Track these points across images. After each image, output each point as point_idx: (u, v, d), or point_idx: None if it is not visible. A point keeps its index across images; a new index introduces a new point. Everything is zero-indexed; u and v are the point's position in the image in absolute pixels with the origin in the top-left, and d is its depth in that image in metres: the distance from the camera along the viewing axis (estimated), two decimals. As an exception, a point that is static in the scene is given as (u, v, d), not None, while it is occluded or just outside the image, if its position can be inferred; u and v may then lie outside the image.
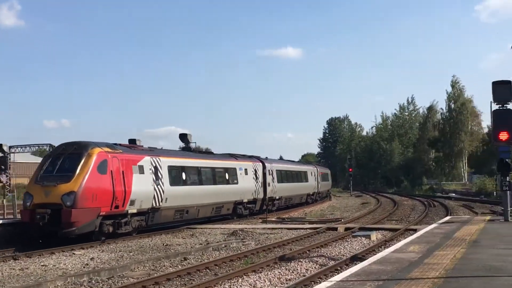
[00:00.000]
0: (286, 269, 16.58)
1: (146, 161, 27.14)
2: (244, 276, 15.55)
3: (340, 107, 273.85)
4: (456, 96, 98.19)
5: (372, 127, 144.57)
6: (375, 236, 24.49)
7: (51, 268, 18.14)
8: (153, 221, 27.84)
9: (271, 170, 43.21)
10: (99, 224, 23.91)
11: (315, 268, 16.95)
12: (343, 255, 19.42)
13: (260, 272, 16.15)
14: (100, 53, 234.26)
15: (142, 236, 26.97)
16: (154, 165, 27.65)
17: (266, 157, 46.45)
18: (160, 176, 27.94)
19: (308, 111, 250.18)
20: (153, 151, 29.20)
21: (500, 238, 18.48)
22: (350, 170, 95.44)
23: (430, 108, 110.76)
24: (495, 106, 24.69)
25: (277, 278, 15.36)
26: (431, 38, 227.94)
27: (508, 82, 24.63)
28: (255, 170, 40.15)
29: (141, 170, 26.51)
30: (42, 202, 22.91)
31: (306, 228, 29.15)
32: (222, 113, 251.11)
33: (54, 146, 32.69)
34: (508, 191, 25.27)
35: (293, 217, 38.84)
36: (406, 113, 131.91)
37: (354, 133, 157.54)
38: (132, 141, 36.26)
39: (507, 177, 25.17)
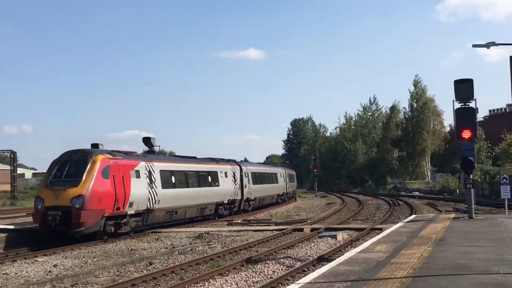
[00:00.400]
0: (253, 271, 16.41)
1: (141, 166, 29.12)
2: (211, 280, 15.36)
3: (304, 108, 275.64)
4: (418, 95, 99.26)
5: (335, 128, 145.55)
6: (341, 236, 24.47)
7: (12, 276, 17.66)
8: (147, 222, 29.77)
9: (247, 173, 45.50)
10: (103, 224, 25.77)
11: (282, 269, 16.82)
12: (310, 256, 19.32)
13: (227, 275, 15.96)
14: (59, 57, 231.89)
15: (106, 241, 26.58)
16: (148, 169, 29.62)
17: (241, 160, 49.27)
18: (153, 180, 29.89)
19: (272, 113, 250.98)
20: (146, 157, 31.24)
21: (465, 236, 18.58)
22: (315, 170, 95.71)
23: (393, 108, 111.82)
24: (458, 105, 24.94)
25: (244, 280, 15.20)
26: (393, 38, 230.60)
27: (469, 80, 24.89)
28: (234, 173, 42.42)
29: (138, 174, 28.49)
30: (53, 205, 24.83)
31: (272, 230, 29.01)
32: (185, 115, 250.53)
33: (15, 152, 32.40)
34: (472, 189, 25.52)
35: (259, 218, 38.68)
36: (369, 113, 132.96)
37: (318, 134, 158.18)
38: (95, 146, 35.82)
39: (471, 175, 25.40)
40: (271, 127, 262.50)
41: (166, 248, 23.69)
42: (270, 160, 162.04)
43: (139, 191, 28.14)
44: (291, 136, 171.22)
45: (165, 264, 19.05)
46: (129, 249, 23.68)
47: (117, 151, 28.95)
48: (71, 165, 25.91)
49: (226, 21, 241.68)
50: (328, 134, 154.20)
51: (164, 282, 15.79)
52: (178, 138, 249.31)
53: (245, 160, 68.84)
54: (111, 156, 27.08)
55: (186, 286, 14.49)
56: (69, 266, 19.45)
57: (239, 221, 35.74)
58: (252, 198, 46.33)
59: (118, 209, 26.45)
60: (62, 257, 21.92)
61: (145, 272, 17.56)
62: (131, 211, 27.62)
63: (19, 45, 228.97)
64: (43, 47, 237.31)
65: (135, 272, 17.80)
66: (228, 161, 44.17)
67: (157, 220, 30.98)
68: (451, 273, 11.59)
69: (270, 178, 53.43)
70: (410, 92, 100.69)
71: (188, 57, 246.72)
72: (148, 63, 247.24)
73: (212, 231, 28.66)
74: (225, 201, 40.18)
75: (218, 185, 39.00)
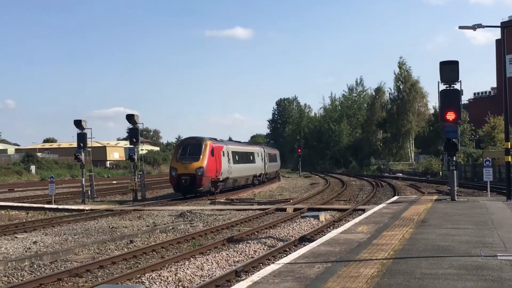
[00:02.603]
0: (234, 250, 16.33)
1: (224, 148, 42.18)
2: (192, 259, 15.25)
3: (289, 88, 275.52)
4: (404, 77, 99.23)
5: (320, 108, 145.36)
6: (323, 216, 24.43)
7: (-9, 253, 17.49)
8: (225, 186, 42.26)
9: (267, 153, 61.09)
10: (210, 185, 38.35)
11: (263, 249, 16.76)
12: (292, 236, 19.27)
13: (208, 254, 15.86)
14: (48, 33, 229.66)
15: (87, 218, 26.43)
16: (226, 151, 42.44)
17: (261, 143, 61.07)
18: (229, 158, 42.73)
19: (257, 92, 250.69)
20: (223, 142, 45.21)
21: (447, 218, 18.60)
22: (299, 151, 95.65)
23: (378, 90, 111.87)
24: (443, 86, 24.89)
25: (225, 260, 15.11)
26: (381, 20, 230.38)
27: (455, 62, 24.84)
28: (261, 154, 56.56)
29: (223, 154, 41.31)
30: (183, 173, 37.26)
31: (254, 209, 28.96)
32: (171, 94, 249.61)
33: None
34: (454, 171, 25.55)
35: (241, 198, 38.66)
36: (355, 94, 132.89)
37: (303, 114, 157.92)
38: (78, 122, 35.76)
39: (454, 157, 25.42)
40: (256, 107, 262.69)
41: (148, 226, 23.59)
42: (255, 140, 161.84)
43: (224, 165, 41.02)
44: (276, 116, 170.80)
45: (146, 243, 18.94)
46: (110, 226, 23.54)
47: (213, 138, 41.81)
48: (191, 147, 38.49)
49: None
50: (313, 114, 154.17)
51: (144, 260, 15.68)
52: (163, 116, 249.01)
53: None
54: (212, 142, 39.90)
55: (167, 265, 14.37)
56: (49, 243, 19.28)
57: (222, 200, 35.65)
58: (267, 173, 60.01)
59: (216, 176, 39.29)
60: (42, 234, 21.76)
61: (125, 250, 17.45)
62: (220, 178, 40.18)
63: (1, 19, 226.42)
64: (28, 22, 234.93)
65: (116, 250, 17.68)
66: (256, 144, 60.53)
67: (228, 186, 43.28)
68: (432, 255, 11.56)
69: (273, 158, 64.65)
70: (395, 74, 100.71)
71: (173, 35, 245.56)
72: (133, 41, 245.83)
73: (194, 210, 28.57)
74: (257, 174, 53.98)
75: (255, 162, 52.79)
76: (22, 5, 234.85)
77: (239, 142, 57.38)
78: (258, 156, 55.39)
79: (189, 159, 37.65)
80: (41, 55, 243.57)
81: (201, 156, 37.63)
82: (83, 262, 15.36)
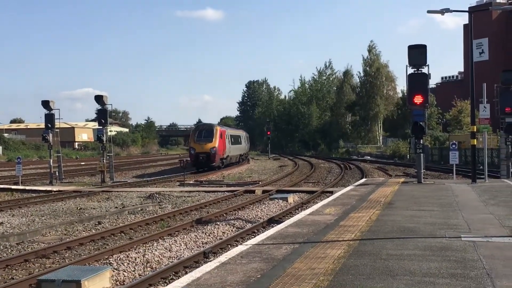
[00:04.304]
0: (203, 232, 16.38)
1: (227, 132, 52.88)
2: (160, 240, 15.28)
3: (259, 70, 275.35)
4: (372, 61, 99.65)
5: (290, 91, 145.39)
6: (292, 198, 24.58)
7: (-45, 234, 17.27)
8: (226, 162, 51.77)
9: (246, 136, 70.94)
10: (220, 161, 48.33)
11: (232, 231, 16.84)
12: (260, 218, 19.38)
13: (176, 236, 15.91)
14: (16, 11, 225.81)
15: (55, 200, 26.24)
16: (228, 134, 52.92)
17: (230, 125, 70.62)
18: (229, 140, 52.76)
19: (227, 74, 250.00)
20: (224, 127, 57.81)
21: (414, 200, 18.83)
22: (268, 133, 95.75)
23: (346, 73, 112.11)
24: (411, 70, 25.09)
25: (193, 241, 15.16)
26: (353, 3, 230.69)
27: (423, 46, 25.04)
28: (244, 136, 67.61)
29: (227, 137, 51.64)
30: (200, 151, 46.41)
31: (223, 191, 29.02)
32: (140, 75, 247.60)
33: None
34: (421, 154, 25.86)
35: (211, 180, 38.67)
36: (324, 77, 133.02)
37: (272, 96, 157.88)
38: (45, 103, 35.36)
39: (421, 140, 25.71)
40: (226, 89, 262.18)
41: (116, 207, 23.53)
42: (224, 122, 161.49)
43: (227, 146, 51.36)
44: (246, 98, 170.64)
45: (114, 224, 18.92)
46: (78, 208, 23.44)
47: (219, 124, 58.01)
48: (205, 131, 47.98)
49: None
50: (282, 97, 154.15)
51: (112, 242, 15.66)
52: (132, 97, 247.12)
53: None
54: (220, 127, 50.98)
55: (135, 246, 14.38)
56: (15, 224, 19.14)
57: (191, 182, 35.63)
58: (246, 153, 69.91)
59: (223, 154, 49.51)
60: (9, 215, 21.59)
61: (93, 231, 17.41)
62: (225, 156, 50.34)
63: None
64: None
65: (84, 231, 17.64)
66: (241, 129, 72.14)
67: (227, 162, 52.25)
68: (398, 236, 11.72)
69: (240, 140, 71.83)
70: (363, 57, 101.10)
71: (143, 14, 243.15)
72: (101, 21, 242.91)
73: (163, 192, 28.55)
74: (242, 154, 64.01)
75: (241, 144, 63.15)
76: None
77: (230, 126, 72.65)
78: (243, 138, 66.58)
79: (205, 141, 46.68)
80: (8, 34, 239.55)
81: (213, 139, 46.87)
82: (50, 243, 15.31)
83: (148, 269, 12.30)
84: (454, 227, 12.90)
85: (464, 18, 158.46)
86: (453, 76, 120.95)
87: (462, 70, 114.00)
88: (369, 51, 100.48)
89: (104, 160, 37.36)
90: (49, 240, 16.13)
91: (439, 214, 15.13)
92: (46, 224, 19.04)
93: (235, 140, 58.56)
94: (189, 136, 57.50)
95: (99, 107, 38.25)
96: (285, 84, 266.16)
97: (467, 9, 35.83)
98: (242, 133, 67.86)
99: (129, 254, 13.32)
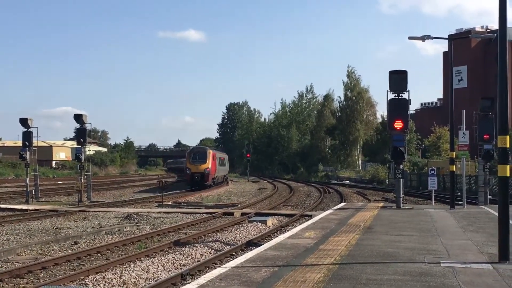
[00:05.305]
0: (181, 254, 16.22)
1: (216, 155, 57.55)
2: (137, 261, 15.09)
3: (240, 92, 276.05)
4: (352, 85, 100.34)
5: (270, 114, 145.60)
6: (271, 221, 24.48)
7: None
8: (216, 181, 57.06)
9: (227, 158, 73.91)
10: (212, 181, 53.20)
11: (210, 253, 16.70)
12: (239, 240, 19.24)
13: (154, 257, 15.71)
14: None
15: (31, 219, 25.90)
16: (217, 156, 57.78)
17: (210, 146, 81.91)
18: (217, 162, 56.79)
19: (208, 96, 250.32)
20: (214, 150, 61.58)
21: (393, 225, 18.85)
22: (248, 155, 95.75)
23: (327, 97, 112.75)
24: (391, 95, 25.23)
25: (171, 263, 14.99)
26: (333, 26, 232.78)
27: (403, 72, 25.23)
28: (226, 159, 70.84)
29: (215, 159, 55.36)
30: (196, 171, 51.06)
31: (202, 213, 28.85)
32: (120, 94, 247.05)
33: None
34: (401, 179, 25.92)
35: (189, 201, 38.47)
36: (305, 101, 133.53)
37: (252, 119, 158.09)
38: (24, 120, 35.11)
39: (401, 165, 25.79)
40: (206, 110, 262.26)
41: (93, 227, 23.25)
42: (204, 144, 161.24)
43: (217, 167, 56.49)
44: (226, 120, 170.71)
45: (91, 244, 18.66)
46: (55, 227, 23.13)
47: (210, 147, 67.00)
48: (199, 154, 53.16)
49: (165, 0, 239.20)
50: (262, 120, 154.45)
51: (89, 262, 15.43)
52: (111, 117, 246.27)
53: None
54: (212, 150, 56.38)
55: (112, 267, 14.17)
56: (-10, 243, 18.81)
57: (170, 203, 35.41)
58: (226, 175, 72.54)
59: (215, 174, 54.83)
60: (-17, 233, 21.21)
61: (69, 251, 17.16)
62: (215, 176, 55.23)
63: None
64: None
65: (59, 251, 17.38)
66: (223, 152, 76.94)
67: (216, 181, 57.52)
68: (378, 261, 11.68)
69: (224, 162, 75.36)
70: (343, 82, 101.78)
71: (125, 35, 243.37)
72: (83, 40, 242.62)
73: (141, 212, 28.31)
74: (225, 174, 68.31)
75: (225, 165, 68.06)
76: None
77: (217, 150, 76.77)
78: (225, 160, 70.65)
79: (199, 162, 51.71)
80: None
81: (207, 160, 51.88)
82: (25, 262, 15.05)
83: (125, 290, 12.12)
84: (433, 252, 12.89)
85: (444, 45, 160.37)
86: (432, 103, 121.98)
87: (441, 96, 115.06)
88: (348, 76, 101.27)
89: (82, 180, 37.01)
90: (23, 259, 15.85)
91: (418, 239, 15.13)
92: (21, 243, 18.74)
93: (221, 162, 63.60)
94: (168, 157, 69.54)
95: (78, 126, 37.97)
96: (265, 107, 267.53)
97: (446, 37, 36.16)
98: (225, 156, 71.81)
99: (105, 275, 13.12)
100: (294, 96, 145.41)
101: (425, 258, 11.99)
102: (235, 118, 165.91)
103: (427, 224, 19.17)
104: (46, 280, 12.92)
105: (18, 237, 20.39)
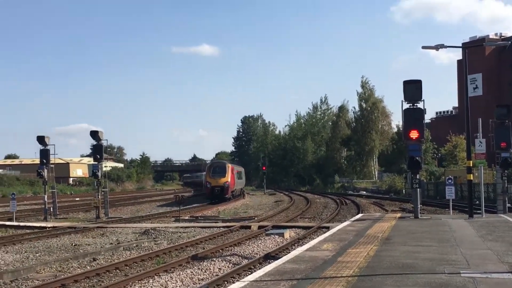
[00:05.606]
0: (199, 268, 16.23)
1: (234, 168, 58.93)
2: (156, 277, 15.12)
3: (255, 105, 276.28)
4: (367, 96, 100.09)
5: (285, 126, 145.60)
6: (288, 234, 24.43)
7: (-51, 271, 17.03)
8: (235, 194, 58.58)
9: (243, 171, 74.92)
10: (231, 194, 54.63)
11: (228, 267, 16.67)
12: (257, 254, 19.21)
13: (172, 272, 15.73)
14: (9, 49, 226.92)
15: (49, 236, 26.03)
16: (235, 170, 59.31)
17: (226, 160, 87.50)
18: (235, 175, 58.20)
19: (222, 109, 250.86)
20: (232, 163, 63.68)
21: (411, 235, 18.74)
22: (264, 168, 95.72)
23: (341, 108, 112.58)
24: (406, 105, 25.16)
25: (189, 278, 15.00)
26: (346, 37, 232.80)
27: (418, 81, 25.16)
28: (243, 172, 72.22)
29: (233, 172, 56.50)
30: (216, 185, 52.30)
31: (219, 227, 28.84)
32: (135, 110, 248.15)
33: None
34: (418, 189, 25.77)
35: (206, 215, 38.48)
36: (319, 113, 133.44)
37: (267, 131, 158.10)
38: (41, 138, 35.42)
39: (417, 175, 25.66)
40: (221, 124, 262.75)
41: (111, 243, 23.31)
42: (220, 157, 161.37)
43: (236, 180, 57.80)
44: (241, 133, 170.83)
45: (109, 260, 18.72)
46: (73, 244, 23.23)
47: (229, 161, 68.54)
48: (219, 168, 54.77)
49: (179, 16, 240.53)
50: (277, 132, 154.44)
51: (107, 279, 15.47)
52: (127, 133, 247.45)
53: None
54: (230, 164, 58.73)
55: (130, 283, 14.21)
56: (9, 261, 18.95)
57: (187, 218, 35.45)
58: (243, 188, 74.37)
59: (234, 187, 56.21)
60: (3, 251, 21.38)
61: (88, 268, 17.21)
62: (234, 189, 56.57)
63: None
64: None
65: (78, 268, 17.44)
66: (239, 165, 76.09)
67: (235, 194, 58.90)
68: (397, 273, 11.62)
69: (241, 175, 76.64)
70: (357, 93, 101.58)
71: (139, 50, 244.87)
72: (97, 57, 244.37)
73: (158, 227, 28.34)
74: (242, 187, 70.46)
75: (242, 178, 68.89)
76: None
77: (233, 163, 76.41)
78: (242, 173, 71.06)
79: (219, 176, 53.05)
80: (2, 70, 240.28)
81: (226, 174, 53.23)
82: (45, 280, 15.12)
83: (144, 306, 12.13)
84: (453, 262, 12.80)
85: (458, 54, 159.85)
86: (447, 111, 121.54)
87: (456, 105, 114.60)
88: (362, 86, 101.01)
89: (99, 196, 37.13)
90: (43, 277, 15.93)
91: (438, 250, 15.03)
92: (40, 260, 18.84)
93: (239, 175, 64.47)
94: (183, 171, 70.19)
95: (94, 142, 38.15)
96: (280, 119, 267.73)
97: (460, 45, 36.09)
98: (241, 169, 72.28)
99: (124, 291, 13.14)
100: (308, 108, 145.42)
101: (445, 269, 11.91)
102: (250, 131, 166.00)
103: (446, 234, 19.05)
104: (65, 297, 12.96)
105: (37, 254, 20.50)
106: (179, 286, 14.02)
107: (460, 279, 10.79)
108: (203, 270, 15.98)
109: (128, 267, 17.22)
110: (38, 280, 15.35)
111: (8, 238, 25.75)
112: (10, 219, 34.80)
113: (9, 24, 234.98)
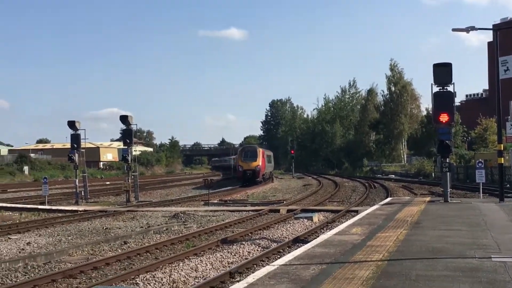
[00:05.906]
0: (228, 252, 16.33)
1: (264, 152, 59.88)
2: (186, 260, 15.24)
3: (283, 89, 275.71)
4: (396, 79, 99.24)
5: (314, 109, 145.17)
6: (317, 217, 24.47)
7: (-16, 254, 17.40)
8: (265, 177, 60.69)
9: (272, 155, 76.73)
10: (261, 177, 57.00)
11: (257, 251, 16.77)
12: (286, 237, 19.29)
13: (202, 256, 15.85)
14: (41, 33, 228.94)
15: (81, 219, 26.38)
16: (265, 154, 60.74)
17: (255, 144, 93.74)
18: (265, 159, 59.43)
19: (250, 93, 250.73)
20: (262, 147, 66.40)
21: (441, 219, 18.63)
22: (292, 152, 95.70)
23: (370, 91, 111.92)
24: (436, 88, 24.93)
25: (219, 261, 15.11)
26: (375, 20, 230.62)
27: (448, 64, 24.88)
28: (272, 155, 74.48)
29: (264, 156, 58.41)
30: (247, 169, 54.62)
31: (248, 210, 28.97)
32: (164, 94, 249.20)
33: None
34: (448, 172, 25.57)
35: (235, 199, 38.64)
36: (348, 96, 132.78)
37: (296, 115, 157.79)
38: (71, 123, 35.78)
39: (447, 159, 25.46)
40: (249, 108, 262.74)
41: (142, 227, 23.55)
42: (248, 141, 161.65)
43: (266, 164, 59.17)
44: (269, 117, 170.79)
45: (140, 244, 18.91)
46: (104, 227, 23.51)
47: (259, 146, 74.60)
48: (250, 152, 57.20)
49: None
50: (305, 116, 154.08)
51: (138, 262, 15.64)
52: (156, 117, 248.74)
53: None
54: (261, 148, 61.29)
55: (161, 266, 14.35)
56: (42, 244, 19.25)
57: (216, 201, 35.65)
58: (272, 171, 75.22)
59: (264, 171, 58.07)
60: (36, 235, 21.71)
61: (119, 251, 17.42)
62: (264, 172, 58.45)
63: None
64: (20, 22, 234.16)
65: (109, 251, 17.65)
66: (268, 149, 77.85)
67: (265, 177, 61.06)
68: (427, 257, 11.57)
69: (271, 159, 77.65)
70: (386, 76, 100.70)
71: (166, 34, 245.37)
72: (126, 42, 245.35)
73: (188, 211, 28.55)
74: (271, 171, 71.42)
75: (271, 162, 70.72)
76: (14, 3, 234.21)
77: (263, 147, 77.53)
78: (271, 157, 73.35)
79: (250, 160, 55.40)
80: (35, 56, 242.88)
81: (257, 158, 55.69)
82: (77, 263, 15.33)
83: (175, 289, 12.27)
84: (484, 247, 12.71)
85: (488, 35, 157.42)
86: (477, 94, 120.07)
87: (486, 87, 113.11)
88: (391, 69, 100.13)
89: (129, 180, 37.53)
90: (75, 260, 16.16)
91: (468, 234, 14.93)
92: (72, 244, 19.11)
93: (268, 159, 66.30)
94: (212, 155, 74.14)
95: (124, 127, 38.53)
96: (308, 103, 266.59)
97: (491, 27, 35.55)
98: (270, 153, 74.31)
99: (155, 274, 13.30)
100: (337, 91, 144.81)
101: (476, 253, 11.83)
102: (279, 115, 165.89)
103: (476, 218, 18.89)
104: (98, 280, 13.16)
105: (69, 237, 20.80)
106: (209, 270, 14.14)
107: (491, 263, 10.71)
108: (232, 254, 16.09)
109: (158, 251, 17.40)
110: (70, 263, 15.58)
111: (40, 221, 26.14)
112: (43, 203, 35.32)
113: (44, 6, 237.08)
